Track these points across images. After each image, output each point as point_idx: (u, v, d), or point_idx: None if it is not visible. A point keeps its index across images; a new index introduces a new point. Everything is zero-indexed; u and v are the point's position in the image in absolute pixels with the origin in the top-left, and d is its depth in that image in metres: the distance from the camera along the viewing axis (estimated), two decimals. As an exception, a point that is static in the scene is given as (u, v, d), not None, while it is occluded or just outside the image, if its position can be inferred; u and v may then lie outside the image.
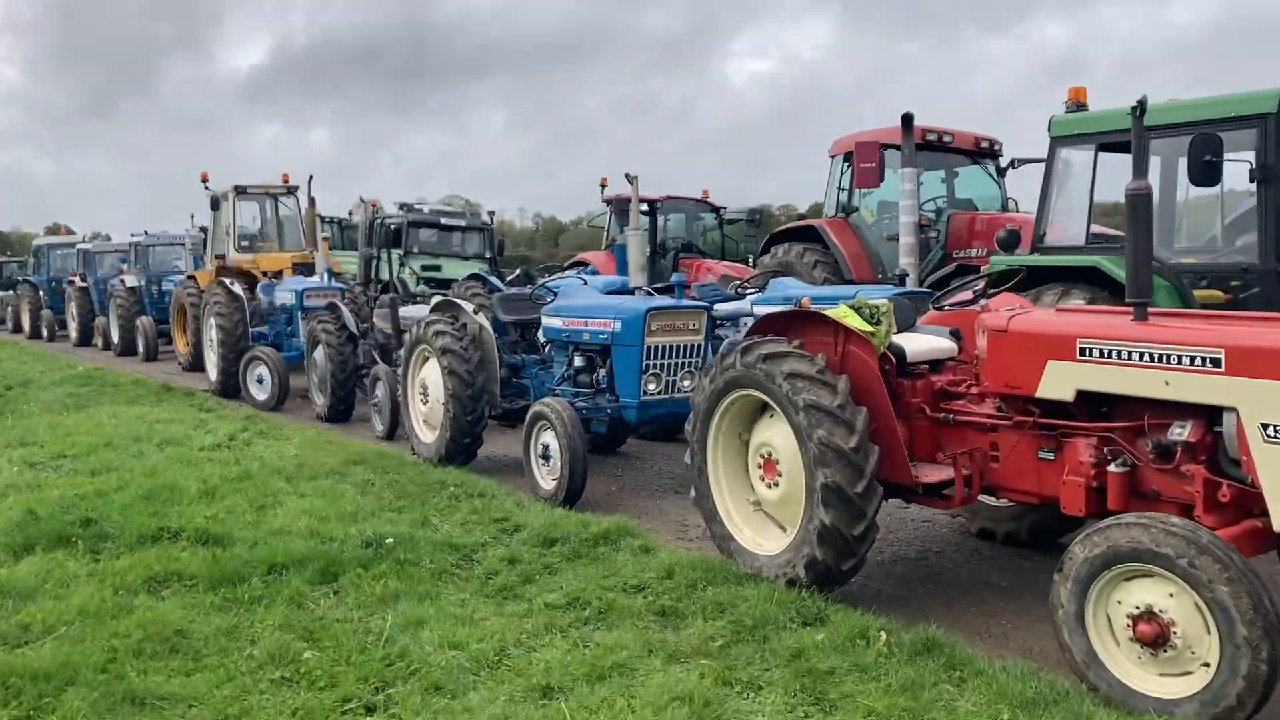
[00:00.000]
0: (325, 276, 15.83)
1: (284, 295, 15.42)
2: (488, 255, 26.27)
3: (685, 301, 8.61)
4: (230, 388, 15.49)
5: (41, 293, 30.45)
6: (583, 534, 6.86)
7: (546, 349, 9.95)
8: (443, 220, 25.23)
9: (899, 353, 5.88)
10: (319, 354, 13.27)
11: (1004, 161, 13.84)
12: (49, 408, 14.11)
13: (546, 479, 8.35)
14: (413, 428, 10.14)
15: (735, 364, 5.93)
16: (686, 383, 8.49)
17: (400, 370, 10.26)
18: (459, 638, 5.15)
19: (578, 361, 8.98)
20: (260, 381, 14.38)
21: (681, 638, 5.17)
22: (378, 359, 12.94)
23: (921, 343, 6.05)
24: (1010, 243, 9.85)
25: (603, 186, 19.40)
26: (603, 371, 8.75)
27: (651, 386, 8.33)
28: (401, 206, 26.40)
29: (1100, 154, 9.00)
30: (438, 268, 21.42)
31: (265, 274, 18.72)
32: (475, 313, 9.72)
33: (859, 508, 5.41)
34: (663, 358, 8.35)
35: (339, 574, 6.16)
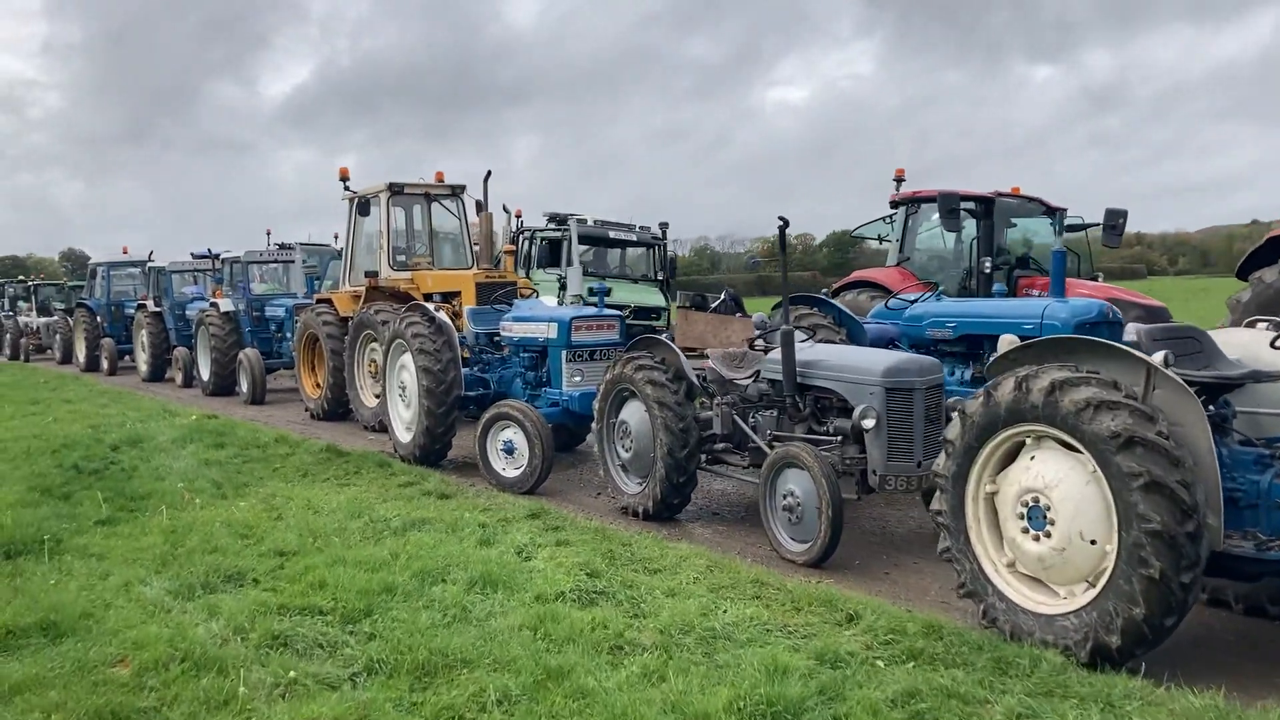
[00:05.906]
0: (597, 302, 11.14)
1: (530, 326, 10.61)
2: (659, 276, 21.67)
3: None
4: (434, 454, 10.87)
5: (100, 318, 26.03)
6: None
7: None
8: (611, 234, 20.61)
9: None
10: (634, 417, 8.58)
11: None
12: (196, 488, 9.38)
13: None
14: (988, 577, 5.45)
15: None
16: None
17: (946, 469, 5.58)
18: None
19: None
20: (510, 452, 9.68)
21: None
22: (744, 427, 8.24)
23: None
24: None
25: (898, 181, 14.56)
26: None
27: None
28: (552, 218, 21.76)
29: None
30: (607, 291, 16.79)
31: (428, 297, 14.28)
32: (1166, 366, 5.06)
33: None
34: None
35: None
